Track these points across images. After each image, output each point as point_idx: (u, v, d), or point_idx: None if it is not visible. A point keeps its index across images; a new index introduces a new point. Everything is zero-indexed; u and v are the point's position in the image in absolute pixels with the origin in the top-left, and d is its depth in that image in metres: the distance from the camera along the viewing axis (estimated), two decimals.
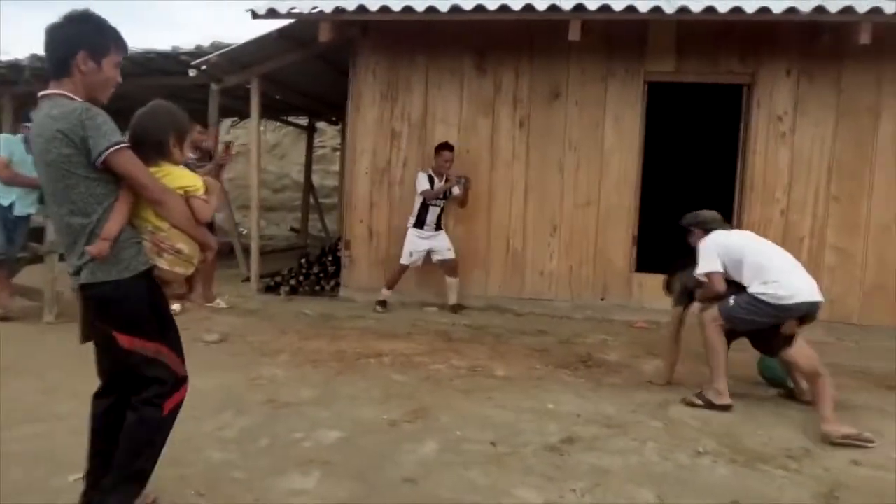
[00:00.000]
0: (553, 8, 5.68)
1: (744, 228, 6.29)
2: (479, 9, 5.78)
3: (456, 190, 6.41)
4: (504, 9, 5.76)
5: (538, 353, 5.01)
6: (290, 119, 12.58)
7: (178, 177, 2.33)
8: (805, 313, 3.78)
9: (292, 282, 7.25)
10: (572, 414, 3.67)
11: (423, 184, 6.38)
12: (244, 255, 7.88)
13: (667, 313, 6.31)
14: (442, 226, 6.50)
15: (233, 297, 6.76)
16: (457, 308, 6.43)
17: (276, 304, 6.55)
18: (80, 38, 2.19)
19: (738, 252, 3.92)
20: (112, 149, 2.12)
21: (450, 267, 6.48)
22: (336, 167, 13.36)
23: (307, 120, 12.18)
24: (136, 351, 2.25)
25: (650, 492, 2.80)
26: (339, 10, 6.00)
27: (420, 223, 6.41)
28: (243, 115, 10.61)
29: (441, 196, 6.39)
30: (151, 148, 2.29)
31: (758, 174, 6.25)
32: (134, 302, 2.23)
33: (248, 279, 7.38)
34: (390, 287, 6.49)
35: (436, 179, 6.39)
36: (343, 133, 8.85)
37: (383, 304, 6.44)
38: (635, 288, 6.50)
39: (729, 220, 6.56)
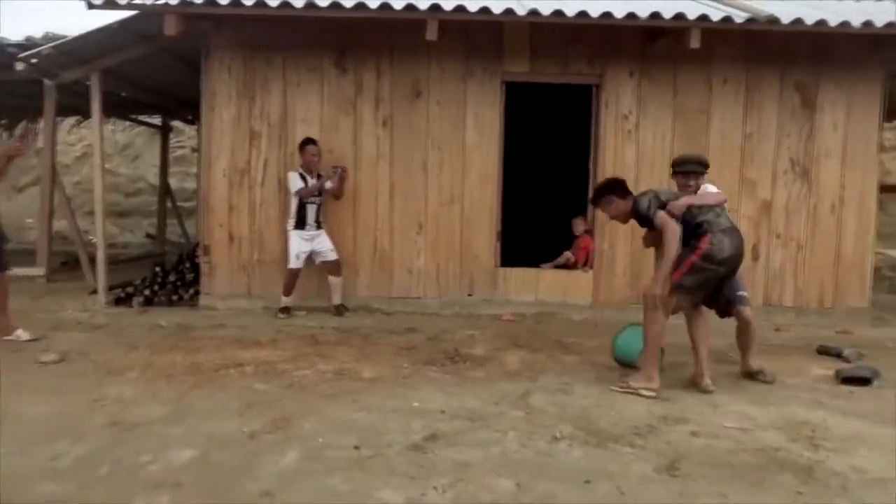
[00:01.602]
0: (410, 7, 5.70)
1: (597, 221, 6.69)
2: (335, 6, 5.69)
3: (328, 184, 6.29)
4: (360, 6, 5.71)
5: (406, 351, 5.01)
6: (142, 118, 11.80)
7: None
8: None
9: (146, 292, 6.78)
10: (437, 410, 3.70)
11: (296, 183, 6.22)
12: (91, 264, 7.28)
13: (531, 305, 6.61)
14: (322, 223, 6.36)
15: (77, 311, 6.22)
16: (342, 308, 6.33)
17: (128, 318, 6.09)
18: None
19: None
20: None
21: (333, 267, 6.37)
22: (196, 169, 12.71)
23: (160, 119, 11.47)
24: None
25: (509, 480, 2.88)
26: (185, 3, 5.68)
27: (301, 223, 6.24)
28: (87, 113, 9.82)
29: (316, 193, 6.25)
30: None
31: (608, 170, 6.58)
32: None
33: (95, 291, 6.81)
34: (287, 293, 6.28)
35: (308, 177, 6.24)
36: (200, 133, 8.41)
37: (286, 310, 6.24)
38: (501, 282, 6.68)
39: (584, 213, 6.95)
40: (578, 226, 6.94)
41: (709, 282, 4.12)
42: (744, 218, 6.60)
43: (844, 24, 5.76)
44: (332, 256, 6.35)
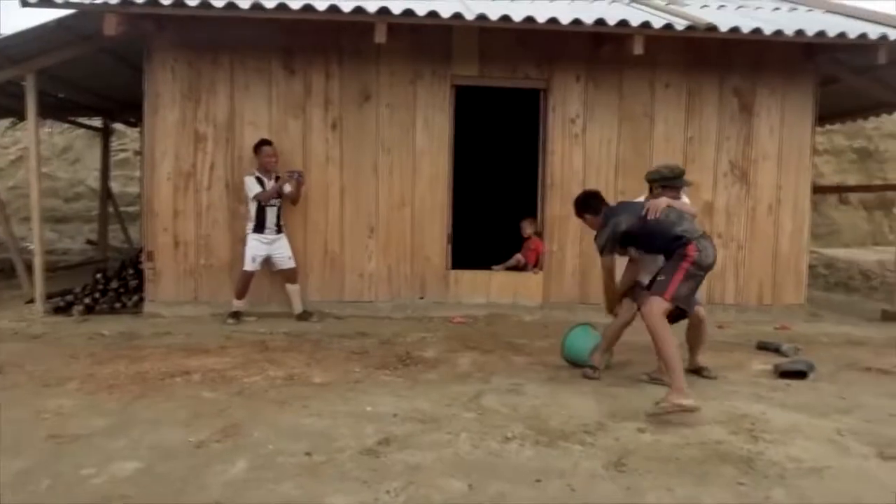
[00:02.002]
0: (358, 10, 5.68)
1: (546, 223, 6.80)
2: (282, 7, 5.63)
3: (287, 187, 6.21)
4: (308, 8, 5.66)
5: (357, 355, 4.99)
6: (82, 120, 11.40)
7: None
8: None
9: (87, 300, 6.55)
10: (389, 414, 3.69)
11: (253, 187, 6.12)
12: (27, 272, 6.99)
13: (482, 307, 6.67)
14: (283, 227, 6.27)
15: (13, 321, 5.98)
16: (306, 315, 6.25)
17: (68, 327, 5.87)
18: None
19: None
20: None
21: (290, 275, 6.30)
22: (139, 173, 12.33)
23: (101, 121, 11.10)
24: None
25: (462, 482, 2.89)
26: (126, 2, 5.53)
27: (260, 227, 6.15)
28: (22, 115, 9.44)
29: (276, 195, 6.16)
30: None
31: (556, 172, 6.74)
32: None
33: (32, 300, 6.54)
34: (240, 297, 6.18)
35: (265, 180, 6.14)
36: (143, 135, 8.17)
37: (236, 315, 6.12)
38: (452, 284, 6.72)
39: (534, 215, 7.04)
40: (527, 228, 7.04)
41: (696, 288, 4.13)
42: None
43: (778, 32, 6.00)
44: (290, 264, 6.28)
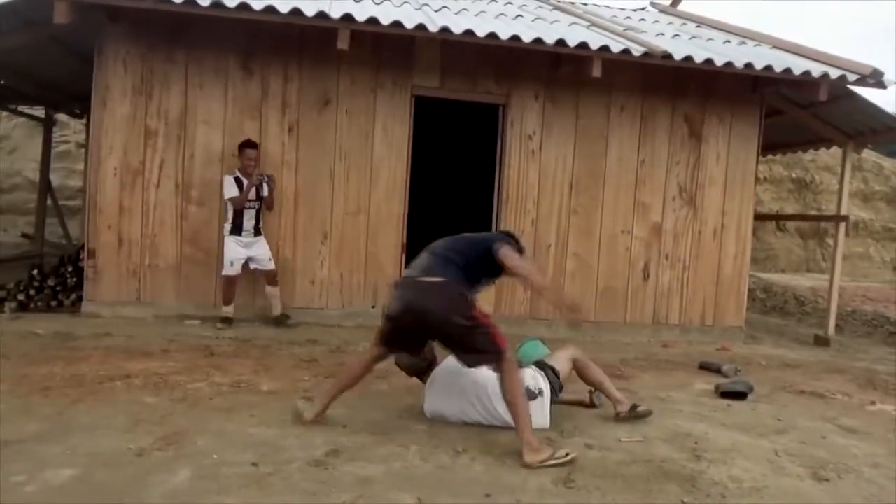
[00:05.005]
0: (321, 15, 5.64)
1: None
2: (244, 7, 5.53)
3: (266, 190, 6.11)
4: (270, 10, 5.58)
5: (307, 363, 4.91)
6: (22, 109, 10.93)
7: None
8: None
9: (20, 297, 6.26)
10: (339, 425, 3.64)
11: (230, 189, 6.00)
12: None
13: None
14: (261, 230, 6.16)
15: None
16: (282, 318, 6.16)
17: None
18: None
19: None
20: None
21: (269, 276, 6.19)
22: (82, 166, 11.89)
23: (43, 111, 10.66)
24: None
25: (411, 495, 2.87)
26: None
27: (237, 229, 6.03)
28: None
29: (254, 198, 6.04)
30: None
31: (512, 187, 6.81)
32: None
33: None
34: (227, 302, 6.06)
35: (245, 182, 6.03)
36: (88, 128, 7.89)
37: (227, 321, 5.98)
38: None
39: (489, 228, 7.09)
40: None
41: (390, 334, 3.68)
42: (637, 239, 7.00)
43: (728, 63, 6.24)
44: (269, 266, 6.18)
